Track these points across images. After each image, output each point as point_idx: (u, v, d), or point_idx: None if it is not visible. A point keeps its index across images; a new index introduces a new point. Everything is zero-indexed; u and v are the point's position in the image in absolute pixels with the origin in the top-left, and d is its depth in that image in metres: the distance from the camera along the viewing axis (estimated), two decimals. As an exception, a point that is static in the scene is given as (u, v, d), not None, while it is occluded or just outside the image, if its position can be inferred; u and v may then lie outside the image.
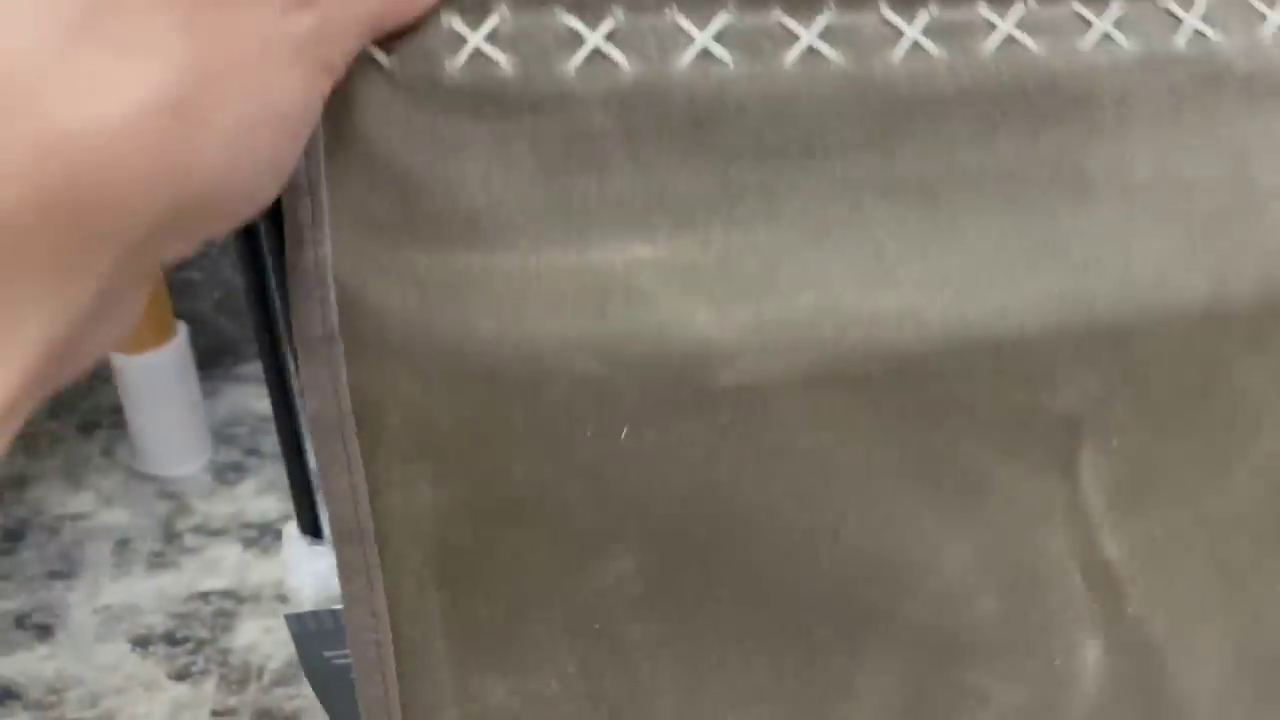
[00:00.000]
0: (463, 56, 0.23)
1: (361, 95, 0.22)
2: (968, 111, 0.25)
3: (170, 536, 0.74)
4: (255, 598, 0.75)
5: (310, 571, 0.42)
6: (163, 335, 0.69)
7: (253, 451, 0.83)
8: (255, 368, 0.82)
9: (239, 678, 0.69)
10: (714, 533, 0.27)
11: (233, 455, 0.82)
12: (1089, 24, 0.26)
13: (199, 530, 0.77)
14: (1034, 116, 0.26)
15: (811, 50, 0.24)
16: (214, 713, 0.66)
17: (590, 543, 0.26)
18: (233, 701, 0.68)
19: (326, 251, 0.23)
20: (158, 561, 0.71)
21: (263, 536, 0.79)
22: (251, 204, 0.21)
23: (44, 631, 0.63)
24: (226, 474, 0.80)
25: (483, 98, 0.23)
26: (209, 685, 0.67)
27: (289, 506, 0.52)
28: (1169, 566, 0.30)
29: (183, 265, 0.94)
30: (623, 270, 0.24)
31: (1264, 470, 0.30)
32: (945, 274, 0.26)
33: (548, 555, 0.26)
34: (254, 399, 0.87)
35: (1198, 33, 0.27)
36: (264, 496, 0.79)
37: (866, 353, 0.25)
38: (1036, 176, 0.26)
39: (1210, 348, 0.28)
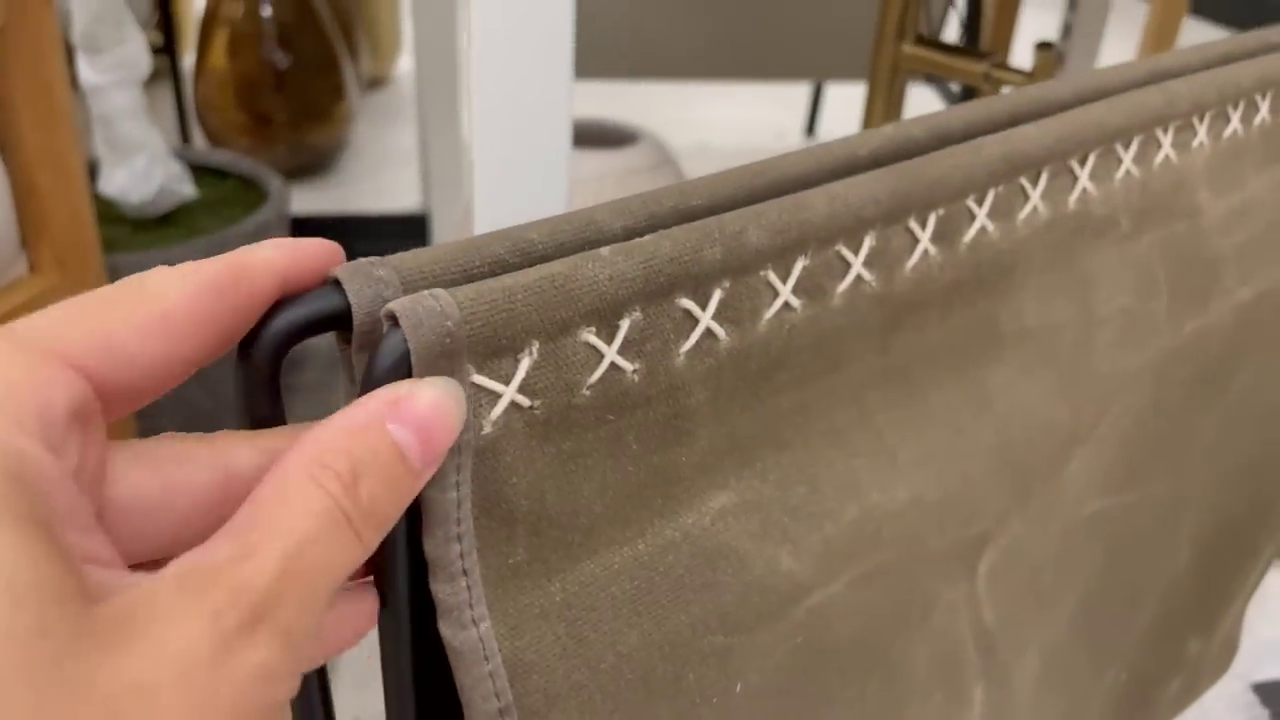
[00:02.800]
0: (598, 373, 0.21)
1: (506, 455, 0.21)
2: (940, 297, 0.28)
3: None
4: None
5: None
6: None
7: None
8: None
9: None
10: None
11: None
12: (1027, 197, 0.30)
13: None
14: (977, 290, 0.29)
15: (858, 278, 0.25)
16: None
17: None
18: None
19: (487, 626, 0.21)
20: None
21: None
22: None
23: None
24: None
25: (606, 408, 0.22)
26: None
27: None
28: (1014, 611, 0.36)
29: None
30: (711, 526, 0.24)
31: (1061, 519, 0.36)
32: (928, 450, 0.29)
33: None
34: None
35: (1084, 190, 0.31)
36: None
37: (891, 543, 0.28)
38: (970, 339, 0.29)
39: (1063, 458, 0.34)
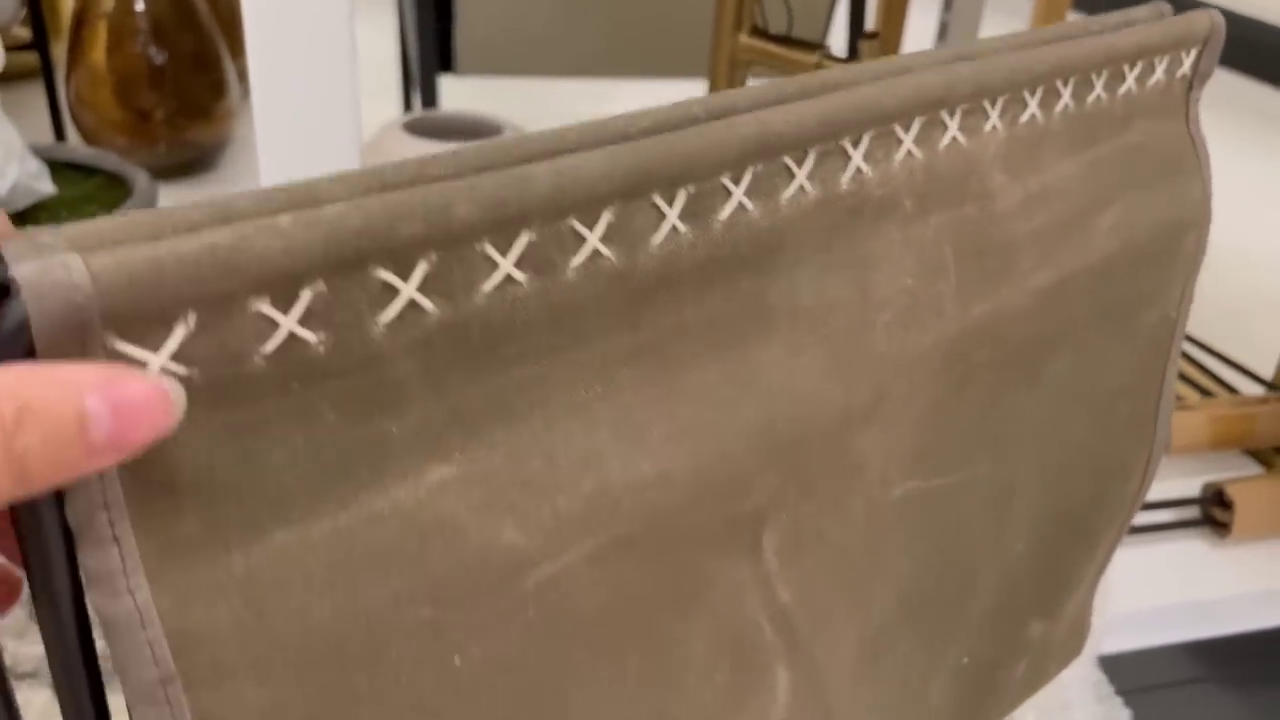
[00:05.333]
0: (273, 344, 0.21)
1: None
2: (696, 275, 0.28)
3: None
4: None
5: None
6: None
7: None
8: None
9: None
10: (533, 713, 0.28)
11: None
12: (792, 176, 0.30)
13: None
14: (739, 268, 0.29)
15: (595, 253, 0.25)
16: None
17: None
18: None
19: (144, 596, 0.21)
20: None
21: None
22: None
23: None
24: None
25: (289, 378, 0.21)
26: None
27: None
28: (817, 590, 0.36)
29: None
30: (428, 499, 0.24)
31: (865, 499, 0.36)
32: (681, 427, 0.28)
33: None
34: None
35: (858, 170, 0.31)
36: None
37: (633, 516, 0.27)
38: (734, 318, 0.29)
39: (843, 437, 0.33)
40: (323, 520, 0.22)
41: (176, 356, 0.19)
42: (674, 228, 0.27)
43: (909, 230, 0.34)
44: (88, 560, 0.20)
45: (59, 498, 0.19)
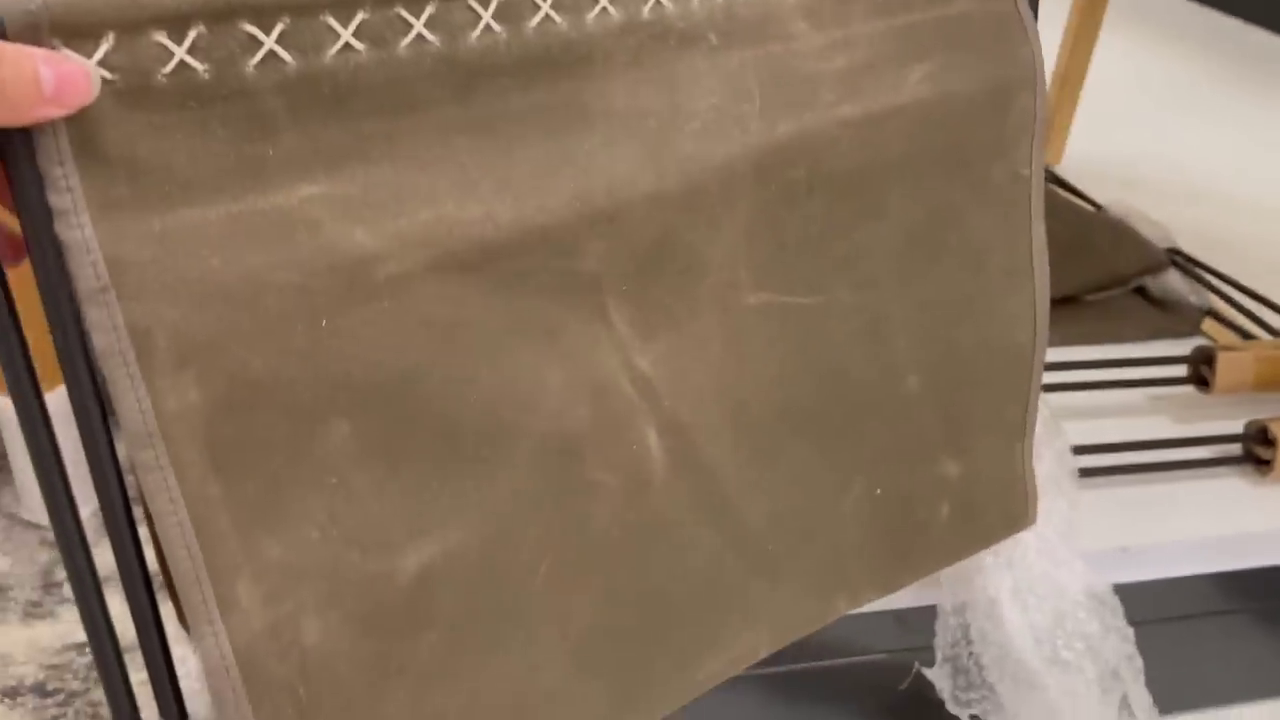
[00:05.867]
0: (170, 66, 0.30)
1: (96, 109, 0.30)
2: (516, 70, 0.37)
3: (49, 586, 0.71)
4: (132, 648, 0.81)
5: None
6: (54, 377, 0.72)
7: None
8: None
9: (107, 733, 0.70)
10: (398, 390, 0.36)
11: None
12: (596, 1, 0.39)
13: (81, 580, 0.77)
14: (556, 70, 0.38)
15: (419, 37, 0.35)
16: (80, 769, 0.61)
17: (314, 414, 0.35)
18: (99, 757, 0.70)
19: (89, 230, 0.30)
20: (34, 611, 0.69)
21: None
22: None
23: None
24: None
25: (186, 95, 0.31)
26: (77, 741, 0.62)
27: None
28: (678, 368, 0.44)
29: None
30: (298, 206, 0.33)
31: (716, 297, 0.45)
32: (506, 184, 0.38)
33: (285, 430, 0.35)
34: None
35: (658, 2, 0.41)
36: (151, 548, 0.78)
37: (466, 245, 0.37)
38: (556, 110, 0.39)
39: (663, 220, 0.42)
40: (218, 206, 0.32)
41: (103, 63, 0.30)
42: (489, 26, 0.37)
43: (716, 60, 0.43)
44: (52, 200, 0.30)
45: (31, 156, 0.30)
